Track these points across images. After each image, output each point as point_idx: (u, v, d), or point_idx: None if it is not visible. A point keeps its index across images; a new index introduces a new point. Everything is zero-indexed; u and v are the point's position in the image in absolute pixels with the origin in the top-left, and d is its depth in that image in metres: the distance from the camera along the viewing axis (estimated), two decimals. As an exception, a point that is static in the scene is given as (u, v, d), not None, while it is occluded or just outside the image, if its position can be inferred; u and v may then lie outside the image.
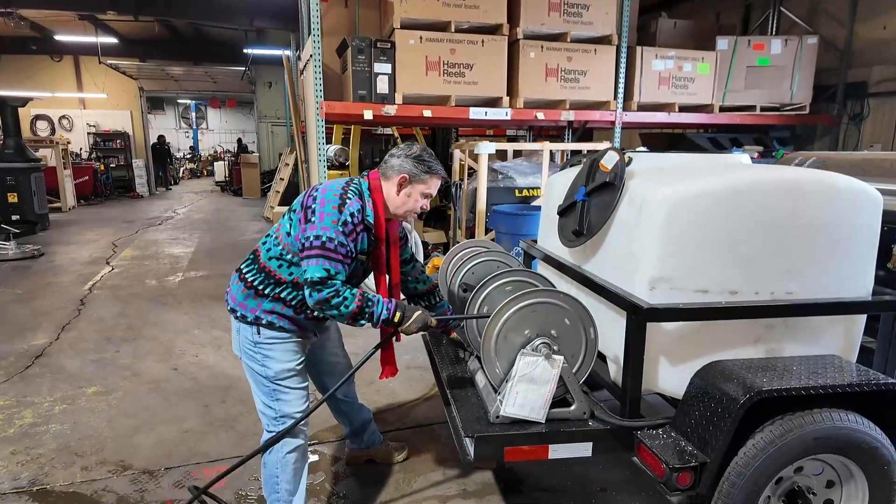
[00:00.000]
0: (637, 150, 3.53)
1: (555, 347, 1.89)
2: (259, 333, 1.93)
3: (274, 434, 1.94)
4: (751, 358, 1.91)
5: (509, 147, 6.61)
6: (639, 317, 1.79)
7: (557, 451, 1.88)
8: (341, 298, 1.82)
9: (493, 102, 5.46)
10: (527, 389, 1.87)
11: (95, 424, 2.99)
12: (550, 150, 5.67)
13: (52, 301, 5.30)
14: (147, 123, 16.24)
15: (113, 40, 12.06)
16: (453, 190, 5.48)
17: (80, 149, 14.63)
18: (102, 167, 14.08)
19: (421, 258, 5.14)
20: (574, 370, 1.94)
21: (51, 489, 2.44)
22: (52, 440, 2.83)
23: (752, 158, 5.97)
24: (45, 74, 14.18)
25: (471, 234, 5.68)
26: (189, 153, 24.13)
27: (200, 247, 8.08)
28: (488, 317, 1.90)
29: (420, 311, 1.96)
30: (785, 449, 1.69)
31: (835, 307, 1.89)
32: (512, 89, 5.47)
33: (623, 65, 5.71)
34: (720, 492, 1.72)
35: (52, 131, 14.61)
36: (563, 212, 2.43)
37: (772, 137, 6.73)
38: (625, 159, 2.26)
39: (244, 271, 1.98)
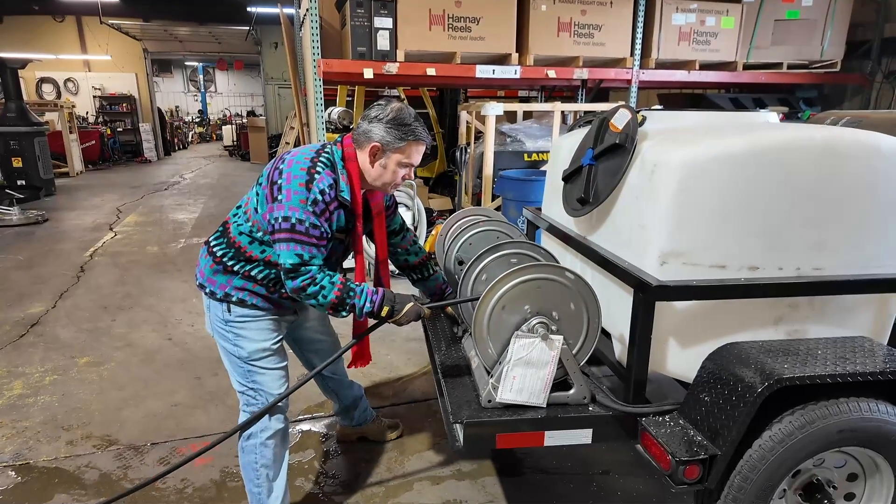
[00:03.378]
0: (653, 108, 3.28)
1: (553, 327, 1.72)
2: (230, 311, 1.78)
3: (251, 415, 1.82)
4: (770, 340, 1.72)
5: (519, 108, 6.31)
6: (647, 295, 1.61)
7: (554, 438, 1.74)
8: (318, 287, 1.65)
9: (502, 60, 5.16)
10: (524, 373, 1.72)
11: (84, 397, 2.92)
12: (562, 112, 5.39)
13: (52, 268, 5.24)
14: (153, 86, 15.98)
15: (114, -1, 11.74)
16: (458, 154, 5.25)
17: (87, 112, 14.49)
18: (109, 131, 13.95)
19: (424, 227, 4.96)
20: (574, 351, 1.78)
21: (34, 464, 2.38)
22: (40, 412, 2.77)
23: (776, 120, 5.60)
24: (48, 36, 13.92)
25: (477, 200, 5.48)
26: (198, 117, 23.88)
27: (205, 212, 7.97)
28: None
29: (412, 303, 1.79)
30: (805, 442, 1.52)
31: (869, 285, 1.69)
32: (522, 45, 5.16)
33: (641, 19, 5.34)
34: (731, 486, 1.57)
35: (58, 95, 14.45)
36: (569, 177, 2.23)
37: (798, 98, 6.35)
38: (637, 118, 2.05)
39: (213, 245, 1.81)
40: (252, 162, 14.60)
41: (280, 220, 1.63)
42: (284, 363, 1.90)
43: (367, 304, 1.73)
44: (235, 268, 1.77)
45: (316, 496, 2.20)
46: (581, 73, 5.40)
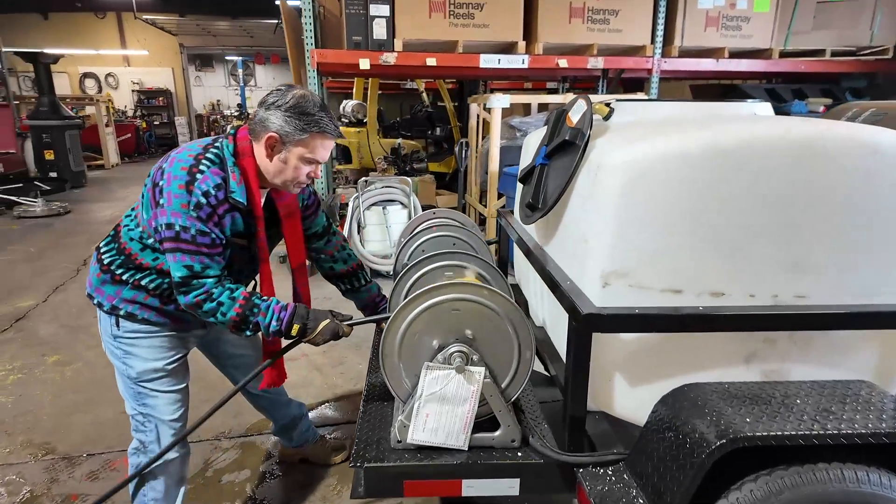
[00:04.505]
0: (628, 97, 2.92)
1: (474, 357, 1.46)
2: (118, 326, 1.61)
3: (141, 465, 1.64)
4: (741, 382, 1.41)
5: (533, 100, 5.98)
6: (579, 324, 1.33)
7: (474, 488, 1.49)
8: (215, 304, 1.46)
9: (508, 48, 4.86)
10: (439, 410, 1.47)
11: (40, 399, 2.84)
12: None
13: (57, 261, 5.28)
14: (192, 81, 16.32)
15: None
16: (457, 149, 4.98)
17: (125, 106, 14.91)
18: (144, 125, 14.31)
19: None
20: (503, 385, 1.52)
21: (-37, 472, 2.29)
22: (-9, 414, 2.71)
23: (816, 113, 5.05)
24: (90, 32, 14.40)
25: (483, 198, 5.20)
26: (237, 111, 24.33)
27: (220, 206, 7.97)
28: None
29: (327, 320, 1.58)
30: (769, 516, 1.21)
31: (865, 319, 1.35)
32: (530, 33, 4.84)
33: (663, 3, 4.92)
34: (675, 564, 1.28)
35: (100, 89, 14.94)
36: (525, 178, 1.96)
37: (844, 88, 5.77)
38: (594, 110, 1.76)
39: (102, 251, 1.63)
40: (281, 155, 14.69)
41: (164, 227, 1.44)
42: (180, 385, 1.70)
43: (274, 323, 1.53)
44: (124, 277, 1.58)
45: (239, 525, 2.02)
46: (595, 63, 5.03)
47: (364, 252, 4.55)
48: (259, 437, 2.52)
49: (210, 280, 1.47)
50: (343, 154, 7.65)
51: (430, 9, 4.52)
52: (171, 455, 1.68)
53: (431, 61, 4.67)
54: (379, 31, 4.51)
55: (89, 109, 12.46)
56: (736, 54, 5.22)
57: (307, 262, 1.82)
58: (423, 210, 4.87)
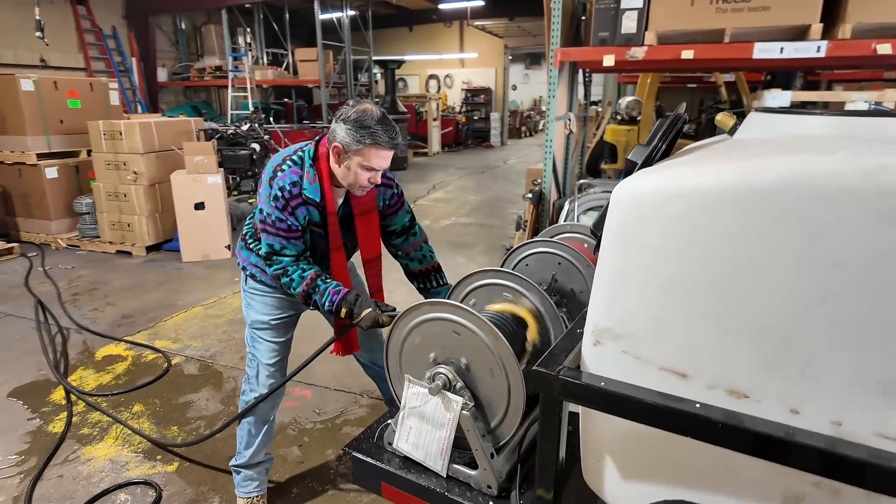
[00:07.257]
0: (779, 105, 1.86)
1: (457, 384, 1.38)
2: (246, 282, 2.05)
3: (248, 404, 2.07)
4: (769, 530, 0.96)
5: (843, 98, 4.60)
6: (543, 384, 1.12)
7: (440, 518, 1.41)
8: (289, 279, 1.79)
9: (796, 34, 3.87)
10: (419, 427, 1.45)
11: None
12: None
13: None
14: (508, 79, 17.90)
15: (481, 3, 13.61)
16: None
17: (454, 103, 17.34)
18: (465, 119, 16.38)
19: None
20: (492, 425, 1.38)
21: (212, 364, 3.24)
22: (250, 331, 3.71)
23: None
24: (440, 40, 17.18)
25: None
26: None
27: (491, 196, 8.68)
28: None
29: (370, 309, 1.75)
30: None
31: None
32: (834, 12, 3.76)
33: None
34: None
35: (438, 88, 17.75)
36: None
37: None
38: (717, 122, 1.39)
39: (246, 222, 2.09)
40: (577, 151, 14.88)
41: (257, 210, 1.81)
42: (282, 339, 2.06)
43: (327, 303, 1.77)
44: (252, 246, 2.01)
45: (324, 466, 2.35)
46: (944, 45, 3.57)
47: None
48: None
49: (287, 259, 1.78)
50: (611, 153, 7.36)
51: (693, -6, 3.95)
52: (264, 391, 2.07)
53: (687, 54, 4.09)
54: (628, 24, 4.19)
55: (427, 106, 15.00)
56: None
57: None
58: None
